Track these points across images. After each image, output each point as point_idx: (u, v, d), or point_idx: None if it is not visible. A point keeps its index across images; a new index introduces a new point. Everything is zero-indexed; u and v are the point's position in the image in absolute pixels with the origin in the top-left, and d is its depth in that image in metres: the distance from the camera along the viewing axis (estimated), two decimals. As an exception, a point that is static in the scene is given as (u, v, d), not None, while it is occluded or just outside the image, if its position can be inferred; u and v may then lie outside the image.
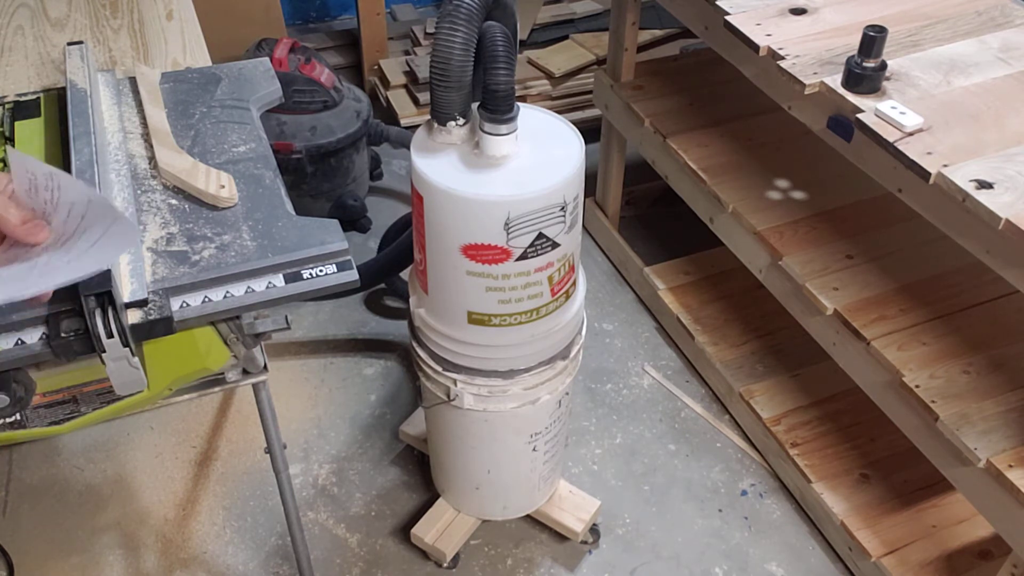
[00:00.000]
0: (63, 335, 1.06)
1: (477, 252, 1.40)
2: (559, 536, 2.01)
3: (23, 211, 0.79)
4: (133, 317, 1.10)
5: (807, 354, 2.25)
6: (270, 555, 1.98)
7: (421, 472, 2.14)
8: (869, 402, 1.80)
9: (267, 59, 1.66)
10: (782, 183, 2.15)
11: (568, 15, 3.31)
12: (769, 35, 1.74)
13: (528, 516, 1.99)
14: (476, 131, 1.42)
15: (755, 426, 2.18)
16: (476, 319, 1.50)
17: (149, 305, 1.11)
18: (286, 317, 1.31)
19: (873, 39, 1.53)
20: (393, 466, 2.17)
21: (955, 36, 1.73)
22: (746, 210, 2.06)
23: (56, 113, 1.45)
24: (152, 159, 1.35)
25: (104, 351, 1.04)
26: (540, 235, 1.40)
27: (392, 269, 2.34)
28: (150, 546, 1.99)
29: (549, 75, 3.07)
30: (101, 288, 1.03)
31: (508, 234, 1.38)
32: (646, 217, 2.88)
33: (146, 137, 1.40)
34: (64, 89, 1.44)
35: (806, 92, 1.62)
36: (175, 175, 1.31)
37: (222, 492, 2.10)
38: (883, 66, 1.56)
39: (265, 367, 1.37)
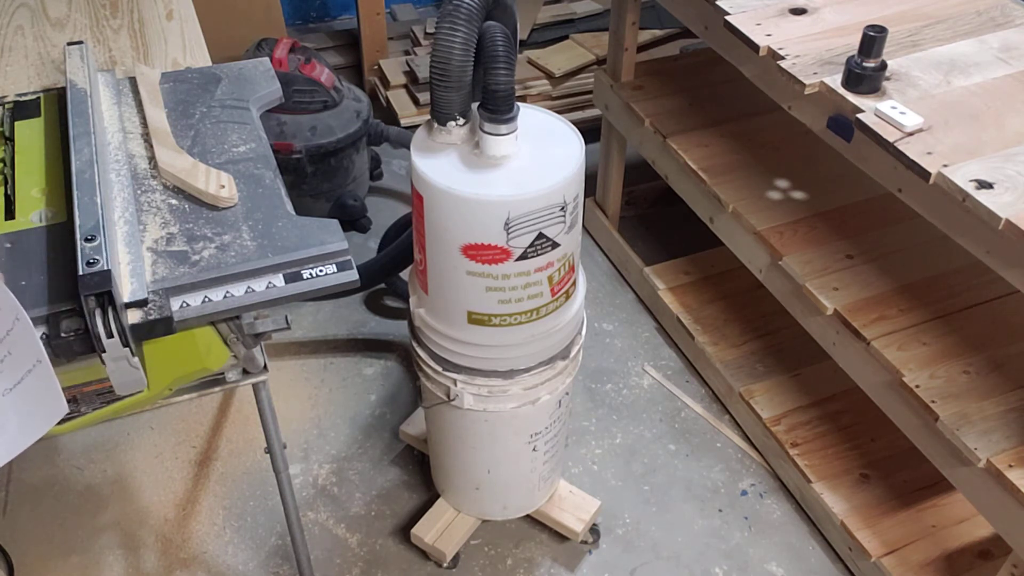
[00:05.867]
0: (63, 335, 1.06)
1: (477, 252, 1.40)
2: (559, 536, 2.01)
3: None
4: (133, 317, 1.10)
5: (807, 354, 2.25)
6: (270, 555, 1.98)
7: (421, 472, 2.14)
8: (869, 402, 1.80)
9: (267, 59, 1.66)
10: (782, 183, 2.15)
11: (568, 15, 3.31)
12: (769, 35, 1.74)
13: (528, 516, 1.99)
14: (476, 131, 1.42)
15: (755, 426, 2.18)
16: (476, 319, 1.50)
17: (149, 305, 1.11)
18: (286, 317, 1.31)
19: (873, 39, 1.53)
20: (393, 466, 2.17)
21: (955, 36, 1.73)
22: (746, 210, 2.06)
23: (56, 113, 1.45)
24: (152, 159, 1.35)
25: (104, 351, 1.04)
26: (540, 235, 1.40)
27: (392, 269, 2.34)
28: (150, 546, 1.99)
29: (549, 75, 3.07)
30: (101, 288, 1.03)
31: (508, 234, 1.38)
32: (646, 217, 2.88)
33: (146, 137, 1.40)
34: (64, 89, 1.44)
35: (806, 92, 1.62)
36: (175, 175, 1.31)
37: (222, 492, 2.10)
38: (883, 66, 1.56)
39: (265, 367, 1.37)
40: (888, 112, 1.50)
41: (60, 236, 1.19)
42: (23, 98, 1.50)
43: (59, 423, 1.20)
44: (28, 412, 0.98)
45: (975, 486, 1.56)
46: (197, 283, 1.15)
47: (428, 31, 3.28)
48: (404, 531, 2.01)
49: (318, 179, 2.62)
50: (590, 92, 2.92)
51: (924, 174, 1.41)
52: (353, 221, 2.77)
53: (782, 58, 1.68)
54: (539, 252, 1.42)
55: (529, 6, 3.23)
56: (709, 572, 1.97)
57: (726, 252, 2.20)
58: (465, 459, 1.81)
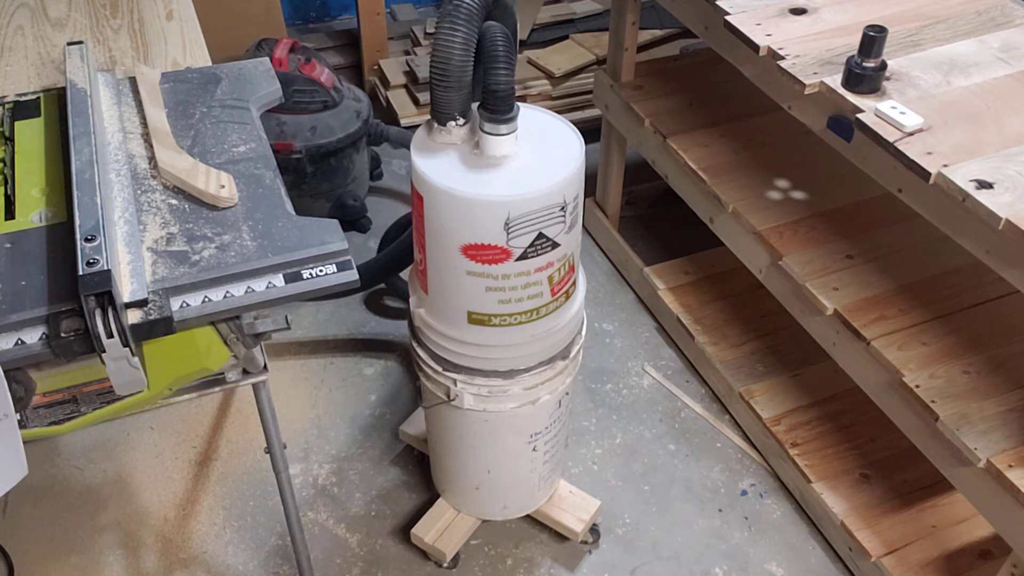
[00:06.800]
0: (63, 335, 1.06)
1: (477, 252, 1.40)
2: (559, 536, 2.01)
3: None
4: (133, 317, 1.10)
5: (807, 354, 2.25)
6: (270, 555, 1.98)
7: (421, 472, 2.14)
8: (869, 402, 1.80)
9: (267, 59, 1.66)
10: (782, 183, 2.15)
11: (568, 15, 3.31)
12: (769, 35, 1.74)
13: (528, 516, 1.99)
14: (476, 131, 1.42)
15: (755, 426, 2.18)
16: (476, 319, 1.50)
17: (149, 305, 1.11)
18: (286, 317, 1.31)
19: (873, 39, 1.53)
20: (393, 466, 2.17)
21: (955, 36, 1.73)
22: (746, 210, 2.06)
23: (56, 113, 1.45)
24: (152, 159, 1.35)
25: (104, 351, 1.04)
26: (540, 235, 1.40)
27: (392, 269, 2.34)
28: (150, 546, 1.99)
29: (549, 75, 3.07)
30: (101, 288, 1.03)
31: (508, 234, 1.38)
32: (646, 217, 2.88)
33: (146, 137, 1.40)
34: (64, 89, 1.44)
35: (806, 92, 1.62)
36: (175, 175, 1.31)
37: (222, 492, 2.10)
38: (883, 66, 1.56)
39: (265, 367, 1.37)
40: (888, 112, 1.50)
41: (60, 236, 1.19)
42: (23, 98, 1.50)
43: (58, 423, 1.20)
44: None
45: (975, 486, 1.56)
46: (197, 283, 1.15)
47: (428, 31, 3.28)
48: (404, 531, 2.01)
49: (318, 179, 2.62)
50: (590, 92, 2.92)
51: (924, 174, 1.41)
52: (353, 221, 2.77)
53: (782, 58, 1.68)
54: (539, 252, 1.42)
55: (529, 6, 3.23)
56: (709, 572, 1.97)
57: (726, 252, 2.19)
58: (465, 459, 1.81)
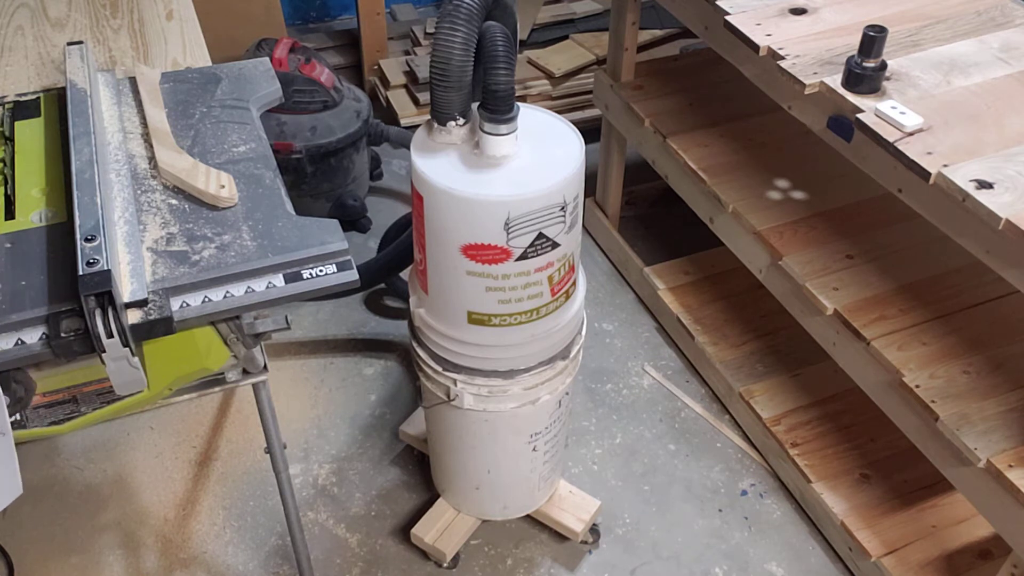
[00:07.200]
0: (63, 335, 1.06)
1: (477, 252, 1.40)
2: (559, 536, 2.01)
3: None
4: (133, 317, 1.10)
5: (807, 354, 2.25)
6: (270, 555, 1.98)
7: (421, 472, 2.14)
8: (869, 402, 1.80)
9: (267, 59, 1.66)
10: (782, 183, 2.15)
11: (568, 15, 3.31)
12: (769, 35, 1.74)
13: (528, 516, 1.99)
14: (476, 131, 1.42)
15: (755, 426, 2.18)
16: (476, 319, 1.50)
17: (149, 305, 1.11)
18: (286, 317, 1.32)
19: (873, 39, 1.53)
20: (393, 466, 2.17)
21: (955, 36, 1.73)
22: (746, 210, 2.06)
23: (56, 113, 1.45)
24: (152, 159, 1.35)
25: (104, 351, 1.04)
26: (540, 235, 1.40)
27: (392, 269, 2.34)
28: (150, 546, 1.99)
29: (549, 75, 3.07)
30: (101, 288, 1.03)
31: (508, 234, 1.38)
32: (646, 217, 2.88)
33: (146, 137, 1.40)
34: (64, 89, 1.44)
35: (806, 92, 1.62)
36: (175, 175, 1.31)
37: (222, 492, 2.10)
38: (883, 66, 1.56)
39: (265, 367, 1.37)
40: (888, 112, 1.50)
41: (60, 236, 1.19)
42: (23, 98, 1.50)
43: (58, 423, 1.20)
44: None
45: (975, 486, 1.56)
46: (197, 283, 1.15)
47: (428, 31, 3.28)
48: (404, 531, 2.01)
49: (318, 179, 2.63)
50: (590, 92, 2.92)
51: (924, 174, 1.41)
52: (353, 221, 2.77)
53: (782, 58, 1.68)
54: (539, 252, 1.42)
55: (529, 6, 3.23)
56: (709, 572, 1.97)
57: (726, 252, 2.19)
58: (465, 459, 1.81)
